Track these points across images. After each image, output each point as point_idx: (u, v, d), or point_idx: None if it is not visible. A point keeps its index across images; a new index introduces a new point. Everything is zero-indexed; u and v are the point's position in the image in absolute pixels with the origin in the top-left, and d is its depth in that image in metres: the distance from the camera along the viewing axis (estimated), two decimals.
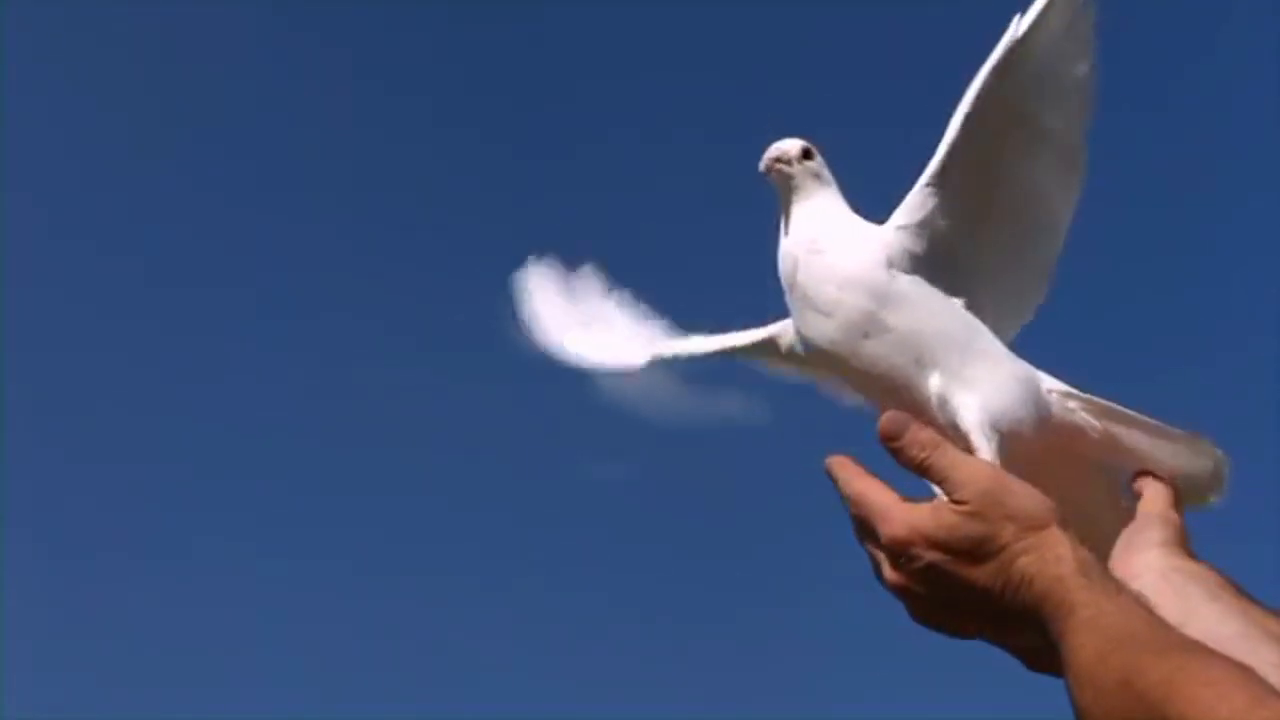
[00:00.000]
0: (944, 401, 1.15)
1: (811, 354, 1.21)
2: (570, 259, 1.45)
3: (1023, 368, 1.19)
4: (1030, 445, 1.15)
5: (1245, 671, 0.86)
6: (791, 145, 1.22)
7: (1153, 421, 1.20)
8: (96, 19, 7.24)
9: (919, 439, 1.03)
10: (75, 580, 6.87)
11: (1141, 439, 1.19)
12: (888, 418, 1.04)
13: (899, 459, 1.04)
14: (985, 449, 1.13)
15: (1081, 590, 0.94)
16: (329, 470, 7.28)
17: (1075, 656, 0.91)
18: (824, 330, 1.18)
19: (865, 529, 1.04)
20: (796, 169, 1.21)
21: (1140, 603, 0.95)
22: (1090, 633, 0.91)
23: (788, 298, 1.21)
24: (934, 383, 1.15)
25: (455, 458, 7.44)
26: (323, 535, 7.22)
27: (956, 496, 1.00)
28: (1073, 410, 1.19)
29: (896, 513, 1.01)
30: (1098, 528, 1.12)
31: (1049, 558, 0.96)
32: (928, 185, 1.20)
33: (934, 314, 1.18)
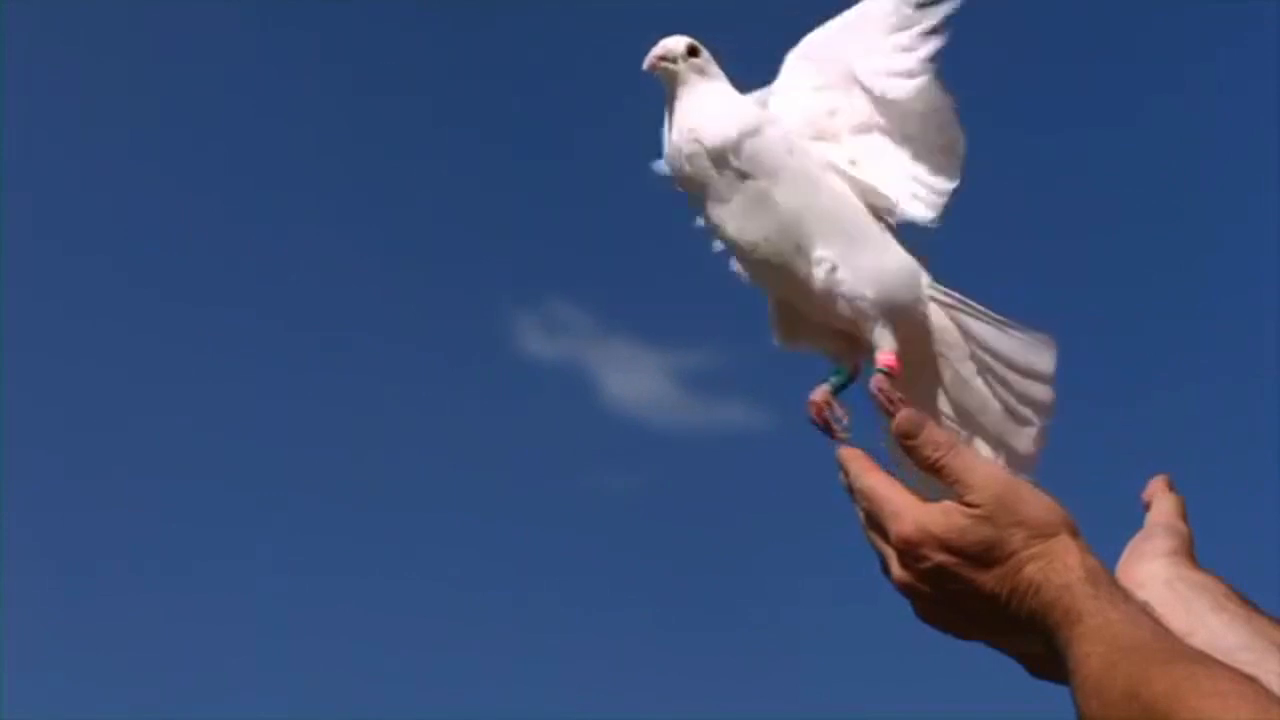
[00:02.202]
0: (834, 286, 1.17)
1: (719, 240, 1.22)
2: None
3: (907, 256, 1.21)
4: (905, 336, 1.18)
5: (1251, 682, 0.86)
6: (676, 43, 1.22)
7: (1001, 318, 1.22)
8: (98, 23, 7.26)
9: (934, 439, 1.03)
10: (76, 589, 6.88)
11: (992, 333, 1.22)
12: (904, 416, 1.04)
13: (913, 457, 1.04)
14: (885, 338, 1.16)
15: (1088, 599, 0.94)
16: (331, 479, 7.29)
17: (1081, 665, 0.91)
18: (717, 216, 1.19)
19: (875, 524, 1.04)
20: (681, 66, 1.21)
21: (1146, 612, 0.95)
22: (1096, 642, 0.91)
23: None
24: (820, 270, 1.17)
25: (458, 466, 7.44)
26: (325, 543, 7.23)
27: (968, 499, 1.00)
28: (939, 302, 1.22)
29: (908, 512, 1.01)
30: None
31: (1057, 565, 0.96)
32: None
33: (821, 194, 1.19)
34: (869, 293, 1.16)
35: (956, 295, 1.22)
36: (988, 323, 1.21)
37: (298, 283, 7.43)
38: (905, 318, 1.18)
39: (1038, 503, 0.99)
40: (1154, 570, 1.06)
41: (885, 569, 1.03)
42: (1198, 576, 1.05)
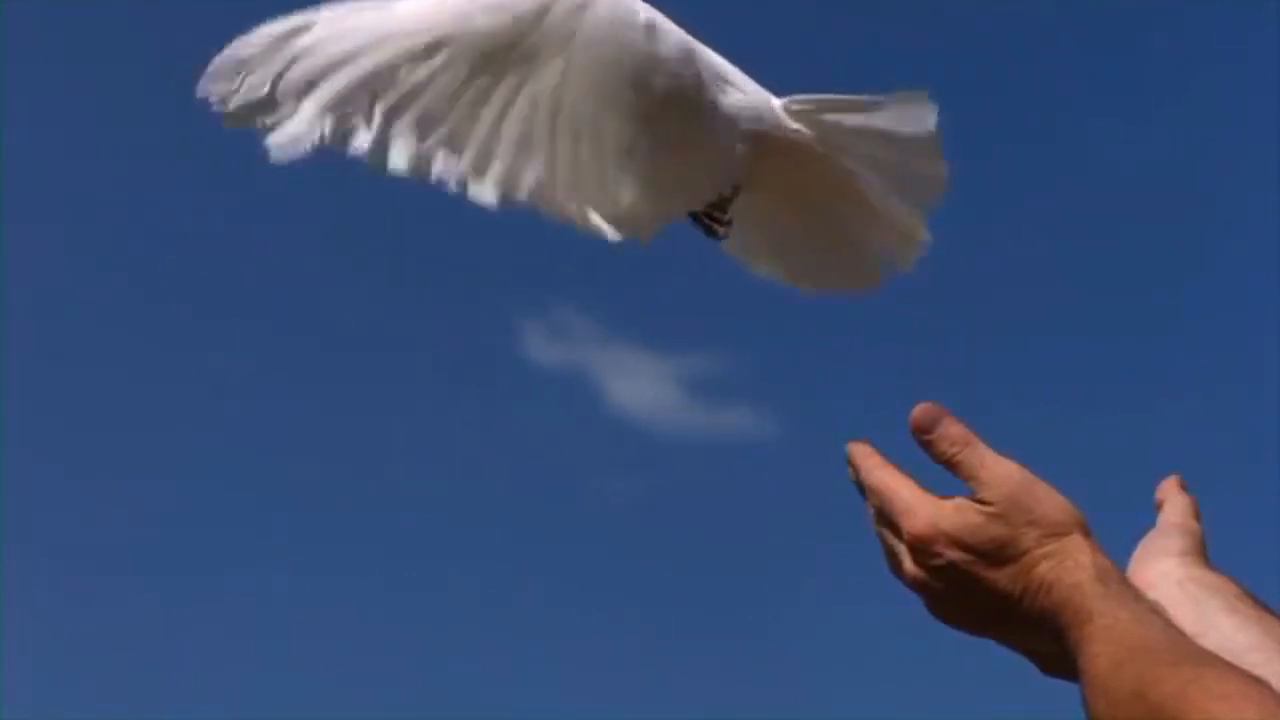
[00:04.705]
0: None
1: None
2: None
3: (750, 94, 1.23)
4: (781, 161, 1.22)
5: (1259, 685, 0.86)
6: None
7: (870, 98, 1.25)
8: (101, 24, 7.26)
9: (950, 434, 1.02)
10: (77, 591, 6.88)
11: (863, 118, 1.24)
12: (921, 410, 1.04)
13: (928, 452, 1.03)
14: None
15: (1098, 599, 0.94)
16: (335, 484, 7.29)
17: (1090, 665, 0.91)
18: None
19: (886, 520, 1.03)
20: None
21: (1157, 612, 0.95)
22: (1106, 642, 0.91)
23: None
24: None
25: (463, 472, 7.44)
26: (328, 550, 7.23)
27: (982, 496, 1.00)
28: (798, 112, 1.25)
29: (920, 508, 1.01)
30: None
31: (1068, 564, 0.96)
32: None
33: None
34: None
35: (815, 97, 1.24)
36: (855, 109, 1.23)
37: (306, 294, 7.44)
38: (769, 146, 1.21)
39: (1051, 501, 0.99)
40: (1165, 570, 1.06)
41: (896, 565, 1.03)
42: (1210, 577, 1.05)
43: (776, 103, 1.24)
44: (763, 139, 1.22)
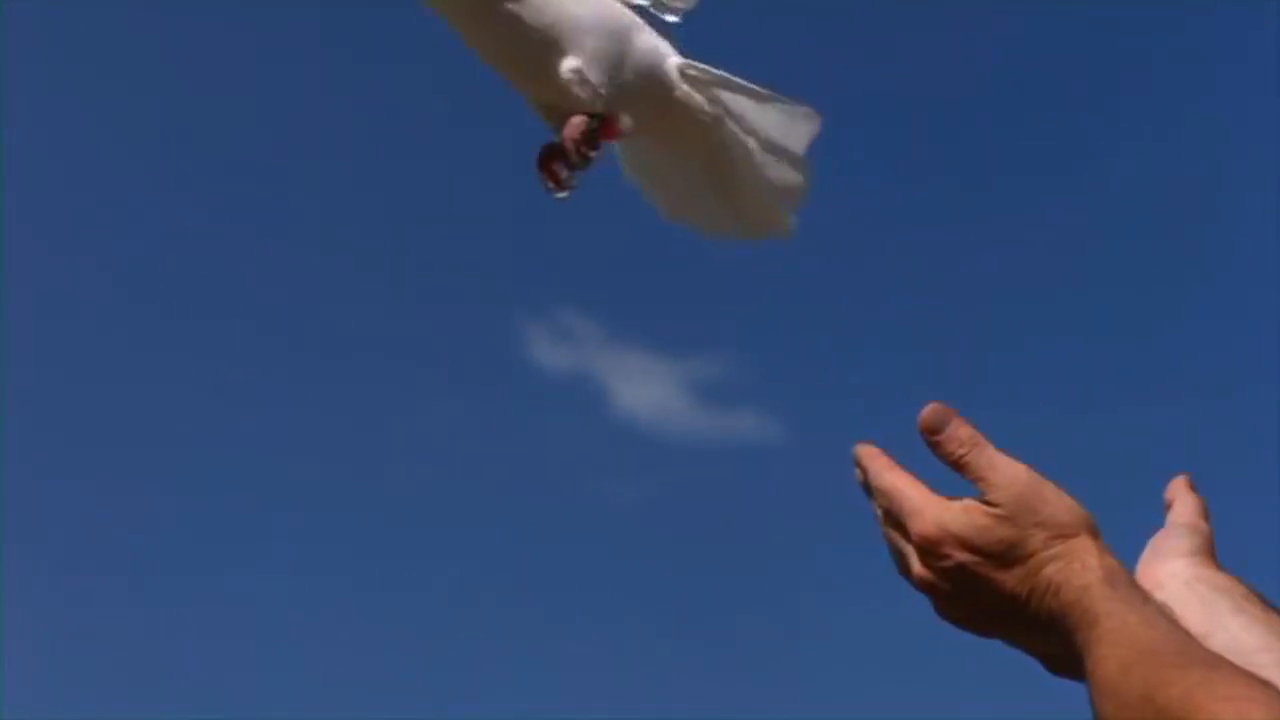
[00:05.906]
0: (582, 92, 1.26)
1: None
2: None
3: (653, 45, 1.28)
4: (654, 117, 1.27)
5: (1265, 686, 0.86)
6: None
7: (760, 88, 1.31)
8: (102, 25, 7.26)
9: (959, 435, 1.02)
10: (80, 598, 6.89)
11: (750, 105, 1.30)
12: (930, 411, 1.04)
13: (936, 452, 1.03)
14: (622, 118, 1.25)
15: (1106, 600, 0.94)
16: (338, 487, 7.29)
17: (1098, 668, 0.91)
18: (472, 38, 1.27)
19: (894, 522, 1.03)
20: None
21: (1165, 614, 0.95)
22: (1113, 644, 0.91)
23: None
24: (572, 80, 1.25)
25: (468, 477, 7.44)
26: (328, 551, 7.23)
27: (990, 498, 0.99)
28: (693, 81, 1.30)
29: (928, 510, 1.00)
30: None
31: (1076, 566, 0.96)
32: None
33: (565, 4, 1.26)
34: (611, 90, 1.24)
35: (712, 70, 1.27)
36: (746, 95, 1.26)
37: (312, 299, 7.44)
38: (653, 101, 1.27)
39: (1059, 503, 0.99)
40: (1174, 570, 1.06)
41: (904, 566, 1.03)
42: (1218, 577, 1.05)
43: (675, 60, 1.28)
44: (644, 91, 1.27)
